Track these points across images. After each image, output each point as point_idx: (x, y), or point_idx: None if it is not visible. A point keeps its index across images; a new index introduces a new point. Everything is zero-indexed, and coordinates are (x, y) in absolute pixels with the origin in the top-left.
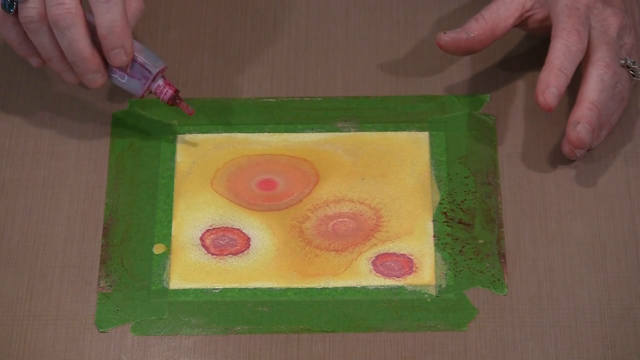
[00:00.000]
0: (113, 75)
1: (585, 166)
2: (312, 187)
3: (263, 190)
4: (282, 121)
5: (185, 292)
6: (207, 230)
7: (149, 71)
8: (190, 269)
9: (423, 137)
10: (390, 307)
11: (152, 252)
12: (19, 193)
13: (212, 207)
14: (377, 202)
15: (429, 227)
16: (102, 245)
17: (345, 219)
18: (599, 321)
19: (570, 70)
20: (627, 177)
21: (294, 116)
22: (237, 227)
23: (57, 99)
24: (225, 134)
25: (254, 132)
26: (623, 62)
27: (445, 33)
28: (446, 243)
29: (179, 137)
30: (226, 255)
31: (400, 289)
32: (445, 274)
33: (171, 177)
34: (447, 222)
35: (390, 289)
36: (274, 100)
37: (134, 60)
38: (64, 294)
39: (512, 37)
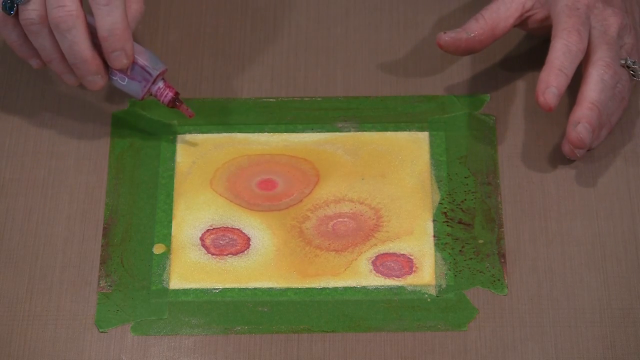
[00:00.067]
0: (113, 78)
1: (585, 166)
2: (313, 187)
3: (263, 190)
4: (282, 121)
5: (185, 292)
6: (207, 230)
7: (150, 74)
8: (190, 269)
9: (423, 137)
10: (390, 307)
11: (152, 252)
12: (19, 193)
13: (212, 207)
14: (377, 202)
15: (429, 227)
16: (102, 245)
17: (345, 219)
18: (599, 321)
19: (570, 70)
20: (627, 177)
21: (294, 116)
22: (237, 227)
23: (57, 99)
24: (225, 134)
25: (254, 132)
26: (623, 62)
27: (445, 33)
28: (446, 243)
29: (179, 137)
30: (226, 255)
31: (400, 289)
32: (445, 274)
33: (171, 177)
34: (447, 222)
35: (390, 289)
36: (274, 100)
37: (134, 62)
38: (64, 294)
39: (512, 37)
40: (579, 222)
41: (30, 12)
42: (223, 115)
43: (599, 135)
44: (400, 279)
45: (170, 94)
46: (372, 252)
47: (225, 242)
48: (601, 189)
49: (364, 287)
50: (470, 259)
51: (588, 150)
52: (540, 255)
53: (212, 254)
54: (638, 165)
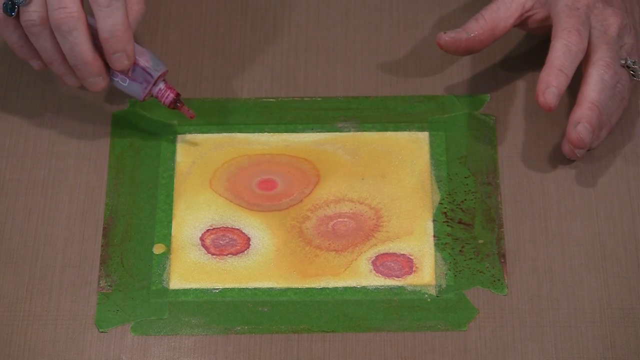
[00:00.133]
0: (114, 79)
1: (585, 166)
2: (313, 187)
3: (263, 190)
4: (282, 121)
5: (185, 292)
6: (207, 230)
7: (151, 75)
8: (190, 269)
9: (423, 137)
10: (390, 307)
11: (152, 252)
12: (19, 193)
13: (212, 207)
14: (377, 202)
15: (429, 227)
16: (102, 245)
17: (345, 219)
18: (599, 321)
19: (570, 70)
20: (627, 177)
21: (294, 116)
22: (237, 227)
23: (57, 99)
24: (225, 134)
25: (254, 132)
26: (623, 62)
27: (445, 33)
28: (446, 243)
29: (179, 137)
30: (226, 255)
31: (400, 289)
32: (445, 274)
33: (171, 177)
34: (447, 222)
35: (390, 289)
36: (274, 100)
37: (135, 63)
38: (64, 294)
39: (512, 37)
40: (579, 222)
41: (31, 13)
42: (223, 115)
43: (599, 135)
44: (400, 279)
45: (172, 95)
46: (372, 252)
47: (225, 242)
48: (601, 189)
49: (364, 287)
50: (470, 259)
51: (588, 150)
52: (540, 255)
53: (212, 254)
54: (638, 165)
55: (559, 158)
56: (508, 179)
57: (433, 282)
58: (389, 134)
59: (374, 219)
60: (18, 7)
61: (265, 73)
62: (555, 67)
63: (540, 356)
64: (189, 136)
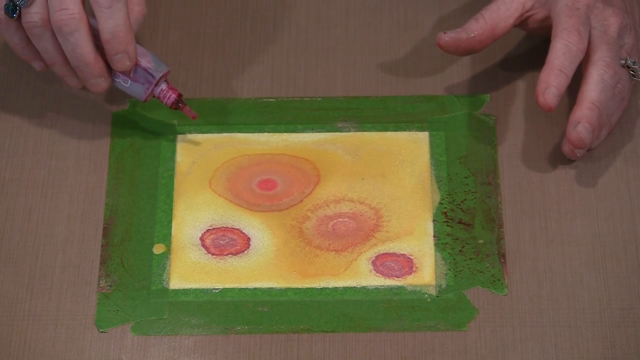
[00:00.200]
0: (116, 80)
1: (585, 166)
2: (313, 187)
3: (263, 190)
4: (282, 121)
5: (185, 292)
6: (207, 230)
7: (152, 75)
8: (190, 269)
9: (423, 137)
10: (390, 307)
11: (152, 252)
12: (19, 193)
13: (212, 207)
14: (377, 202)
15: (429, 227)
16: (102, 245)
17: (345, 219)
18: (599, 321)
19: (570, 71)
20: (627, 177)
21: (294, 116)
22: (237, 227)
23: (57, 99)
24: (225, 134)
25: (254, 132)
26: (623, 62)
27: (445, 33)
28: (446, 243)
29: (179, 137)
30: (226, 255)
31: (400, 289)
32: (445, 274)
33: (171, 177)
34: (447, 222)
35: (390, 289)
36: (274, 100)
37: (137, 64)
38: (64, 294)
39: (512, 37)
40: (579, 222)
41: (33, 15)
42: (223, 115)
43: (599, 135)
44: (400, 279)
45: (173, 96)
46: (372, 252)
47: (225, 242)
48: (601, 189)
49: (364, 287)
50: (470, 259)
51: (588, 150)
52: (540, 255)
53: (212, 254)
54: (638, 165)
55: (559, 158)
56: (508, 179)
57: (433, 282)
58: (389, 134)
59: (374, 219)
60: (19, 8)
61: (265, 73)
62: (555, 67)
63: (540, 356)
64: (189, 136)
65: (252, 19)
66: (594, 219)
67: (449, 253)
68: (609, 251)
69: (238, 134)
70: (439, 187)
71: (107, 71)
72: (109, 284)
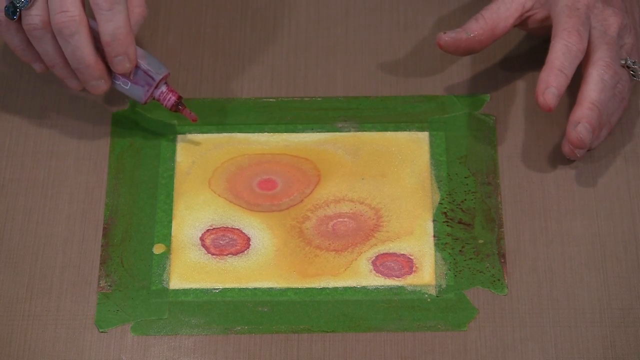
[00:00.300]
0: (116, 82)
1: (585, 166)
2: (314, 187)
3: (263, 190)
4: (282, 121)
5: (185, 292)
6: (207, 230)
7: (152, 78)
8: (190, 269)
9: (423, 137)
10: (390, 307)
11: (152, 252)
12: (19, 193)
13: (212, 207)
14: (377, 202)
15: (429, 227)
16: (102, 245)
17: (345, 219)
18: (599, 321)
19: (570, 71)
20: (627, 177)
21: (294, 116)
22: (237, 227)
23: (57, 99)
24: (225, 133)
25: (254, 132)
26: (623, 62)
27: (445, 33)
28: (446, 243)
29: (179, 137)
30: (226, 255)
31: (400, 289)
32: (445, 274)
33: (171, 177)
34: (447, 222)
35: (390, 289)
36: (274, 100)
37: (137, 66)
38: (64, 294)
39: (512, 37)
40: (579, 222)
41: (33, 17)
42: (223, 115)
43: (599, 135)
44: (400, 279)
45: (173, 98)
46: (372, 252)
47: (225, 242)
48: (601, 189)
49: (364, 287)
50: (470, 259)
51: (588, 151)
52: (540, 255)
53: (212, 254)
54: (638, 165)
55: (559, 158)
56: (508, 179)
57: (433, 282)
58: (389, 134)
59: (374, 219)
60: (20, 10)
61: (265, 73)
62: (555, 68)
63: (540, 356)
64: (189, 136)
65: (252, 19)
66: (594, 219)
67: (449, 253)
68: (609, 251)
69: (238, 134)
70: (439, 187)
71: (107, 73)
72: (109, 284)
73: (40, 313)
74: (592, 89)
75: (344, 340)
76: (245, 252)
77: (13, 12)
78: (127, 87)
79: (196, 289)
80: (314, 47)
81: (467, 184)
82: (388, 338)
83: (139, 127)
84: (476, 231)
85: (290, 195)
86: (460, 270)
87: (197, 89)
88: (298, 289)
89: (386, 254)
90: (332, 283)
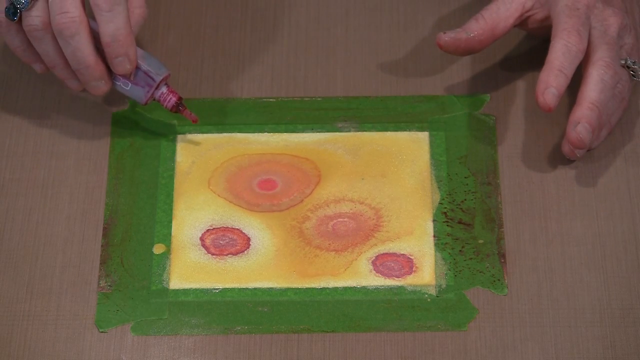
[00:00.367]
0: (117, 83)
1: (585, 166)
2: (314, 187)
3: (263, 190)
4: (282, 121)
5: (185, 292)
6: (207, 230)
7: (153, 79)
8: (190, 269)
9: (423, 137)
10: (390, 307)
11: (152, 252)
12: (19, 193)
13: (212, 207)
14: (377, 202)
15: (429, 227)
16: (102, 245)
17: (345, 219)
18: (599, 321)
19: (570, 71)
20: (627, 177)
21: (294, 116)
22: (237, 227)
23: (57, 99)
24: (225, 133)
25: (254, 132)
26: (623, 62)
27: (445, 33)
28: (446, 243)
29: (179, 137)
30: (226, 255)
31: (400, 289)
32: (445, 274)
33: (171, 177)
34: (447, 222)
35: (390, 289)
36: (274, 100)
37: (137, 67)
38: (64, 294)
39: (512, 37)
40: (579, 222)
41: (34, 18)
42: (223, 115)
43: (599, 135)
44: (400, 279)
45: (174, 99)
46: (372, 252)
47: (225, 242)
48: (601, 189)
49: (364, 287)
50: (470, 259)
51: (588, 151)
52: (540, 255)
53: (212, 254)
54: (638, 165)
55: (559, 158)
56: (508, 179)
57: (433, 282)
58: (389, 134)
59: (374, 219)
60: (20, 11)
61: (265, 73)
62: (554, 68)
63: (540, 356)
64: (189, 136)
65: (252, 19)
66: (594, 219)
67: (449, 253)
68: (609, 251)
69: (238, 134)
70: (439, 187)
71: (108, 74)
72: (109, 284)
73: (40, 313)
74: (592, 89)
75: (344, 340)
76: (245, 252)
77: (13, 13)
78: (128, 88)
79: (196, 289)
80: (314, 47)
81: (467, 184)
82: (388, 338)
83: (139, 127)
84: (476, 231)
85: (290, 195)
86: (460, 270)
87: (197, 89)
88: (298, 289)
89: (386, 254)
90: (332, 283)
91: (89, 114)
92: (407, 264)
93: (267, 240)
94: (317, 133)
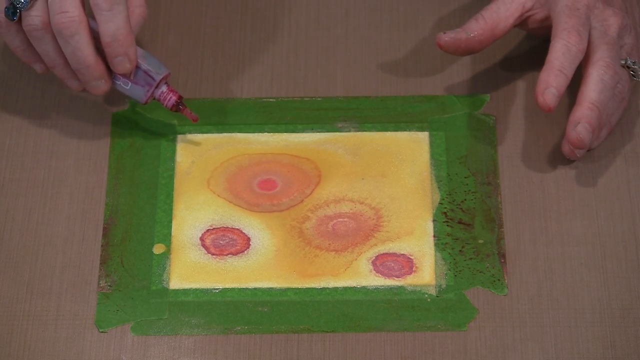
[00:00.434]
0: (116, 82)
1: (585, 166)
2: (314, 187)
3: (263, 190)
4: (282, 121)
5: (185, 292)
6: (207, 230)
7: (153, 78)
8: (190, 269)
9: (423, 137)
10: (390, 307)
11: (152, 252)
12: (19, 193)
13: (212, 207)
14: (377, 202)
15: (429, 227)
16: (102, 245)
17: (345, 219)
18: (599, 321)
19: (570, 71)
20: (627, 177)
21: (294, 116)
22: (237, 227)
23: (57, 99)
24: (225, 133)
25: (254, 132)
26: (623, 62)
27: (445, 33)
28: (446, 243)
29: (179, 137)
30: (226, 255)
31: (400, 289)
32: (445, 274)
33: (171, 177)
34: (447, 222)
35: (390, 289)
36: (274, 100)
37: (137, 67)
38: (64, 294)
39: (512, 37)
40: (579, 222)
41: (33, 18)
42: (223, 115)
43: (599, 135)
44: (400, 279)
45: (174, 98)
46: (372, 252)
47: (225, 242)
48: (601, 189)
49: (364, 287)
50: (470, 259)
51: (588, 151)
52: (540, 255)
53: (212, 254)
54: (638, 165)
55: (559, 158)
56: (508, 179)
57: (433, 282)
58: (389, 134)
59: (374, 219)
60: (20, 11)
61: (265, 73)
62: (554, 68)
63: (540, 356)
64: (189, 136)
65: (252, 19)
66: (594, 219)
67: (449, 253)
68: (609, 251)
69: (238, 134)
70: (439, 187)
71: (108, 74)
72: (109, 284)
73: (40, 313)
74: (592, 89)
75: (344, 340)
76: (245, 252)
77: (13, 13)
78: (128, 87)
79: (196, 289)
80: (314, 47)
81: (467, 184)
82: (388, 338)
83: (139, 127)
84: (476, 231)
85: (290, 195)
86: (460, 270)
87: (197, 89)
88: (298, 289)
89: (386, 254)
90: (332, 283)
91: (89, 114)
92: (407, 264)
93: (267, 240)
94: (317, 133)
